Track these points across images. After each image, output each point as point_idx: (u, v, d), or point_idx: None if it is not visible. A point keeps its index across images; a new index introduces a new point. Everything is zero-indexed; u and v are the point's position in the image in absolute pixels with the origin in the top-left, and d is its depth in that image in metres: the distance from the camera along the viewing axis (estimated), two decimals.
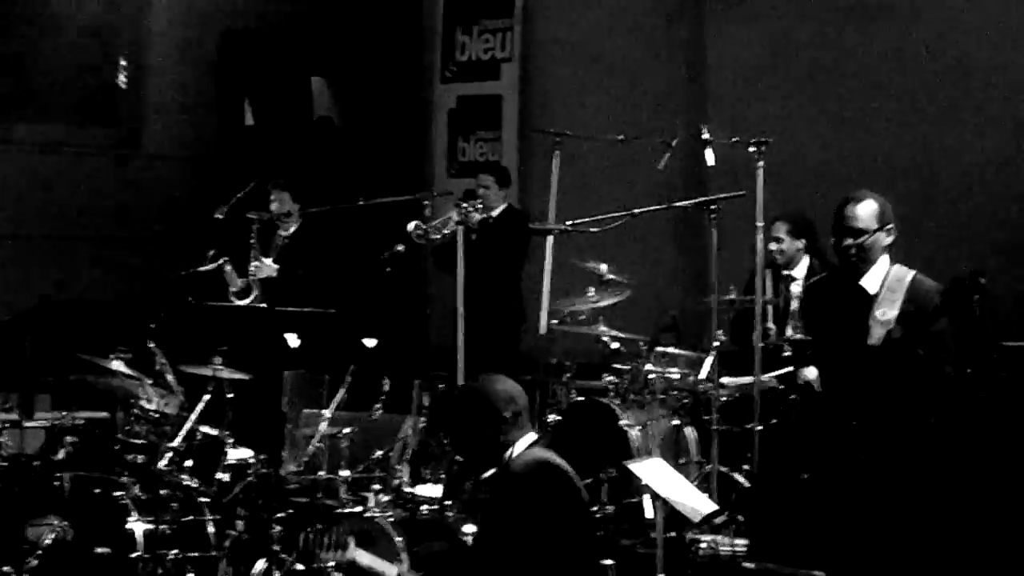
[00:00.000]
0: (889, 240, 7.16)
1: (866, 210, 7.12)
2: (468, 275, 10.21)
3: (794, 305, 9.29)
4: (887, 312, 7.03)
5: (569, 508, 6.33)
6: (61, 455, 9.46)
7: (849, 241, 7.12)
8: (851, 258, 7.14)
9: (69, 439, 9.50)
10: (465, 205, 9.89)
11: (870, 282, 7.12)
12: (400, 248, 9.98)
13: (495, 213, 10.83)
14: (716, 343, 9.08)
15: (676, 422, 9.27)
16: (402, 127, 13.70)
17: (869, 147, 10.77)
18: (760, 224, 9.07)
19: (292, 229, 11.11)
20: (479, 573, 6.40)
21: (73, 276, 12.30)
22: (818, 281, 7.95)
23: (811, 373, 8.53)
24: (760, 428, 8.82)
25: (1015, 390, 8.13)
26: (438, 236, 10.22)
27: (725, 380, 9.23)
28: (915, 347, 6.89)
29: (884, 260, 7.17)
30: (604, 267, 9.52)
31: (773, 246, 9.67)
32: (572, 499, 6.36)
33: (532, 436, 6.49)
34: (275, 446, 9.44)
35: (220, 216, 10.91)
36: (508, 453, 6.38)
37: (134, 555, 8.54)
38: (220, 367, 9.05)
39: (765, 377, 9.07)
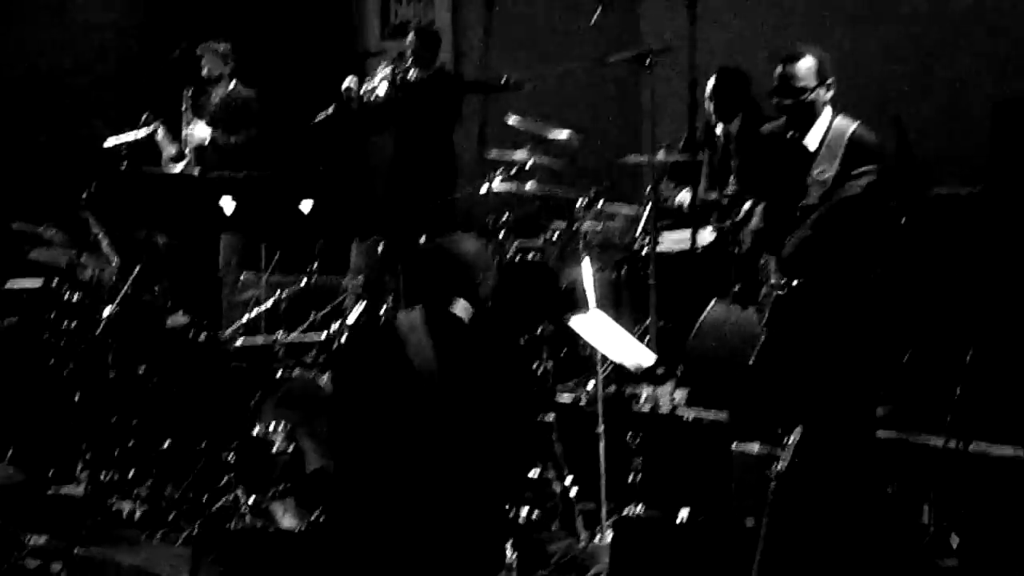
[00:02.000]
0: (829, 94, 7.15)
1: (804, 67, 7.11)
2: (401, 137, 10.18)
3: (732, 163, 9.35)
4: (826, 171, 7.04)
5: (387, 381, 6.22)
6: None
7: (789, 101, 7.11)
8: (794, 116, 7.13)
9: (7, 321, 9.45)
10: (396, 65, 9.82)
11: (812, 139, 7.12)
12: (331, 109, 9.91)
13: (425, 75, 10.73)
14: (651, 198, 9.07)
15: (614, 278, 9.27)
16: None
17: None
18: (691, 78, 9.03)
19: (224, 92, 10.98)
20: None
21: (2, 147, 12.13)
22: (760, 137, 7.91)
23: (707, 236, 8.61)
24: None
25: (947, 239, 8.18)
26: (371, 97, 10.15)
27: (663, 236, 9.24)
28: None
29: (826, 114, 7.16)
30: (540, 124, 9.46)
31: (708, 104, 9.64)
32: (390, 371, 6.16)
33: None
34: (213, 311, 9.42)
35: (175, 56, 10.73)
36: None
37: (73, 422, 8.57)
38: (155, 233, 8.99)
39: (702, 236, 9.09)
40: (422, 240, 8.74)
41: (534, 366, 8.24)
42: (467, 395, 6.03)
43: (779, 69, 7.16)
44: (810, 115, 7.13)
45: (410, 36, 10.87)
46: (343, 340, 7.94)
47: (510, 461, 6.32)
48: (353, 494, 6.13)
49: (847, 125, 7.13)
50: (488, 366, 6.19)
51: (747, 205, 8.38)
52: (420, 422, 5.99)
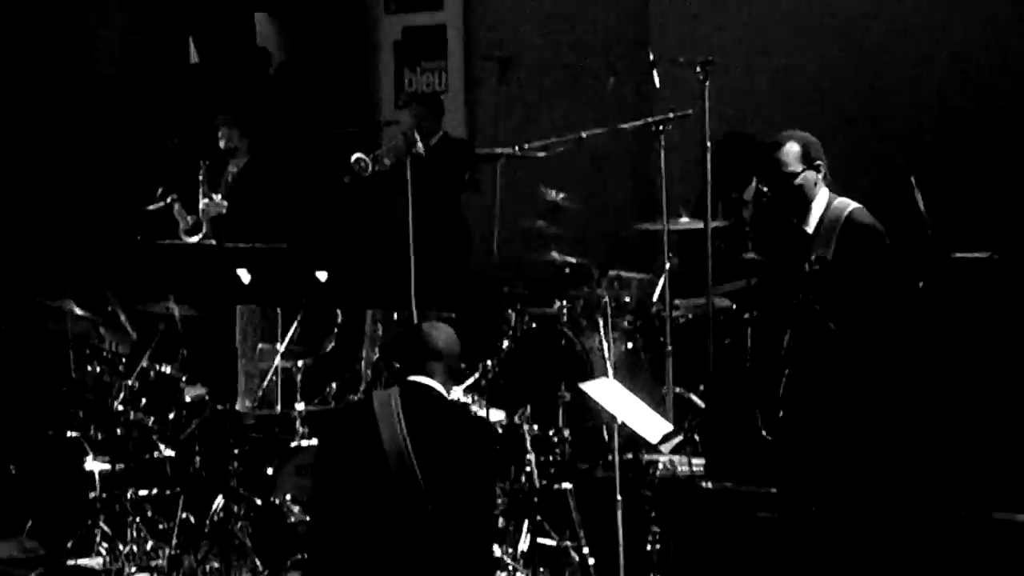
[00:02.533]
0: (819, 176, 7.17)
1: (789, 153, 7.15)
2: (414, 205, 10.20)
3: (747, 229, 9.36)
4: (823, 254, 7.06)
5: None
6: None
7: (777, 187, 7.15)
8: (783, 202, 7.16)
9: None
10: (407, 135, 9.86)
11: (810, 222, 7.14)
12: (346, 179, 9.95)
13: (432, 142, 10.77)
14: (667, 265, 9.08)
15: (630, 344, 9.27)
16: (347, 60, 13.61)
17: (814, 64, 10.74)
18: (709, 145, 9.06)
19: (241, 164, 11.03)
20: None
21: (17, 217, 12.19)
22: (764, 217, 7.95)
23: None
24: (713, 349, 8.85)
25: (967, 303, 8.17)
26: (381, 168, 10.19)
27: (678, 301, 9.24)
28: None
29: (822, 196, 7.18)
30: (554, 192, 9.48)
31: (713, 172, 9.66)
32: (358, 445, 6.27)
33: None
34: (229, 382, 9.44)
35: (171, 145, 10.81)
36: None
37: (92, 495, 8.59)
38: (172, 305, 9.02)
39: (718, 296, 9.09)
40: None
41: (550, 434, 8.24)
42: (435, 472, 6.10)
43: (765, 158, 7.20)
44: (801, 199, 7.15)
45: (415, 105, 10.94)
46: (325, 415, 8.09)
47: (476, 537, 6.33)
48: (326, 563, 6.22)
49: (844, 207, 7.15)
50: (458, 444, 6.26)
51: None
52: (387, 497, 6.08)
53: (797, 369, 7.01)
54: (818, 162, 7.15)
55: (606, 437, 7.94)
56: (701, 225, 9.06)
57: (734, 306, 9.28)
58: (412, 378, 6.44)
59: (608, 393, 7.54)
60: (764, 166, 7.16)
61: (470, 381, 8.55)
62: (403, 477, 6.08)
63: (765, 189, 7.24)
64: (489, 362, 8.60)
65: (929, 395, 7.26)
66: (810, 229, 7.12)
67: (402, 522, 6.07)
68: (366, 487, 6.14)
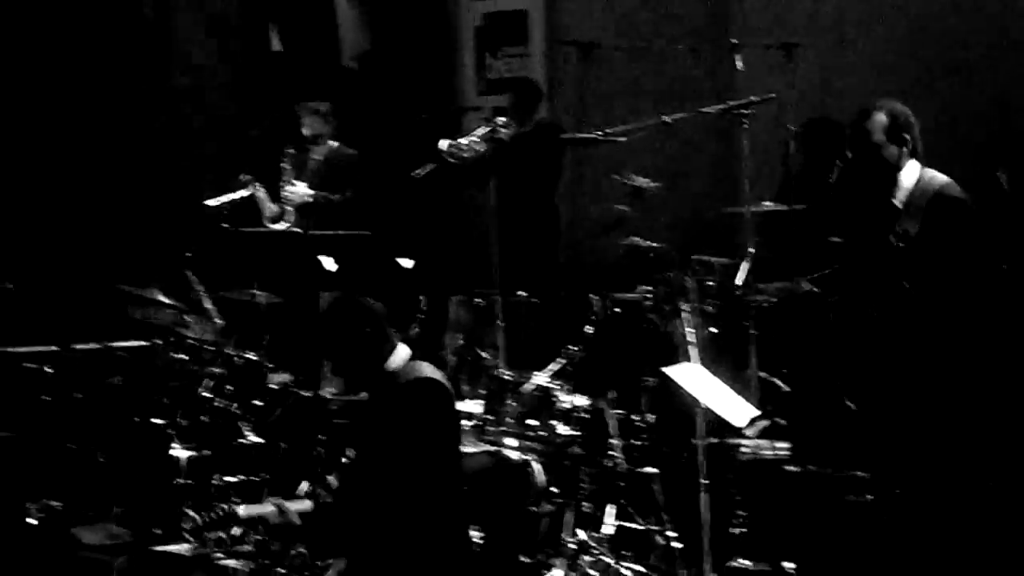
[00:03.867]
0: (906, 149, 7.09)
1: (876, 123, 7.07)
2: (503, 191, 10.20)
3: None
4: (909, 228, 6.99)
5: (452, 429, 6.36)
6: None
7: (863, 157, 7.07)
8: (867, 172, 7.09)
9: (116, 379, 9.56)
10: (493, 121, 9.85)
11: (899, 196, 7.07)
12: (429, 166, 9.96)
13: (528, 127, 10.75)
14: (751, 249, 9.03)
15: (714, 329, 9.23)
16: (429, 46, 13.63)
17: (900, 47, 10.65)
18: (792, 128, 9.02)
19: (324, 152, 11.07)
20: (369, 491, 6.47)
21: (108, 208, 12.29)
22: (848, 189, 7.88)
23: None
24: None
25: None
26: (469, 154, 10.17)
27: (762, 286, 9.19)
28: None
29: (912, 169, 7.09)
30: (637, 177, 9.45)
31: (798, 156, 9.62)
32: (454, 421, 6.40)
33: (406, 348, 6.52)
34: (314, 369, 9.47)
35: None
36: (387, 365, 6.43)
37: (178, 482, 8.66)
38: (256, 292, 9.07)
39: (802, 281, 9.04)
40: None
41: (635, 419, 8.23)
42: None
43: (852, 125, 7.12)
44: (887, 170, 7.07)
45: (510, 91, 10.91)
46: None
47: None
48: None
49: (934, 181, 7.06)
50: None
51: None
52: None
53: (884, 344, 6.94)
54: (906, 135, 7.06)
55: (691, 422, 7.94)
56: (784, 208, 9.04)
57: (816, 289, 9.25)
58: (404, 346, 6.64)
59: (693, 378, 7.54)
60: (852, 135, 7.08)
61: (555, 367, 8.55)
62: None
63: (850, 156, 7.17)
64: (573, 348, 8.59)
65: (1010, 374, 7.17)
66: (899, 202, 7.04)
67: None
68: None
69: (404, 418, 6.34)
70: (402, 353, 6.54)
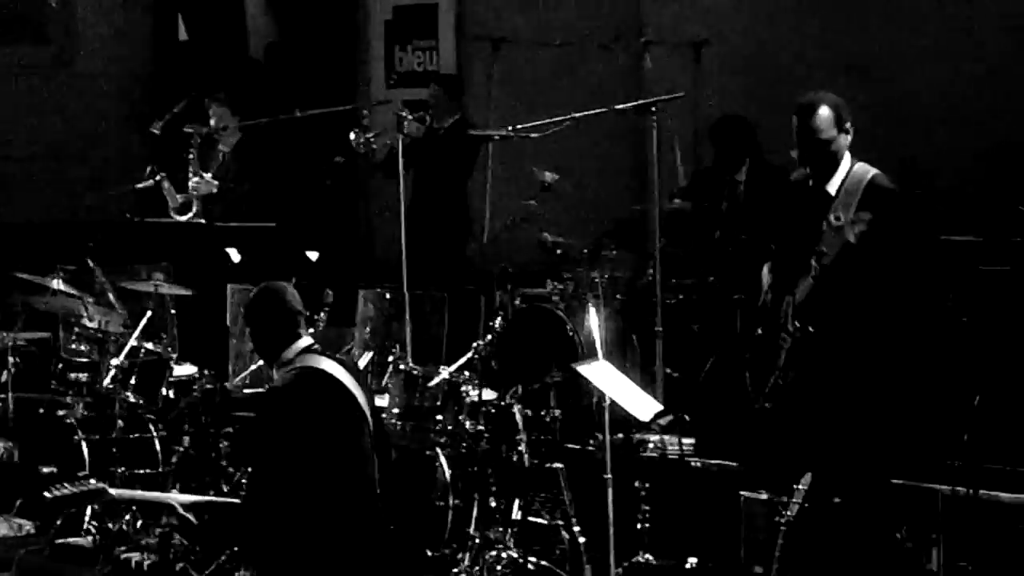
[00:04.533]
0: (849, 139, 7.14)
1: (823, 118, 7.09)
2: (417, 185, 10.19)
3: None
4: (841, 216, 7.03)
5: (336, 418, 6.33)
6: (3, 376, 9.41)
7: (816, 152, 7.08)
8: (818, 167, 7.11)
9: (12, 360, 9.44)
10: (407, 115, 9.84)
11: (832, 185, 7.11)
12: (339, 159, 9.94)
13: (446, 124, 10.73)
14: (658, 246, 9.09)
15: (620, 325, 9.28)
16: (338, 39, 13.59)
17: (806, 40, 10.73)
18: (697, 125, 9.10)
19: (231, 143, 11.01)
20: (253, 491, 6.48)
21: (8, 196, 12.17)
22: (785, 185, 7.90)
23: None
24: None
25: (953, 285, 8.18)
26: (379, 147, 10.17)
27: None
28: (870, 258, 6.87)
29: (846, 160, 7.15)
30: (547, 173, 9.48)
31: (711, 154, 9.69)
32: (339, 408, 6.36)
33: (307, 340, 6.52)
34: (220, 361, 9.43)
35: (156, 131, 10.81)
36: (283, 355, 6.44)
37: (81, 473, 8.57)
38: (162, 283, 9.00)
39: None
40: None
41: (541, 414, 8.25)
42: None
43: (796, 120, 7.12)
44: (833, 163, 7.11)
45: (433, 85, 10.89)
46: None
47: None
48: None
49: (865, 171, 7.11)
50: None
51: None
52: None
53: (800, 337, 6.98)
54: (847, 124, 7.11)
55: (596, 417, 7.96)
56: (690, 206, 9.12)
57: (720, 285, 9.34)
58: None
59: (600, 373, 7.55)
60: (800, 132, 7.08)
61: (462, 361, 8.56)
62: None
63: (794, 155, 7.19)
64: (481, 343, 8.59)
65: (923, 374, 7.25)
66: (832, 191, 7.07)
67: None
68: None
69: (279, 408, 6.33)
70: (300, 344, 6.51)
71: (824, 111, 7.06)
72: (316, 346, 6.54)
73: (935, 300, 7.55)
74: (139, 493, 7.32)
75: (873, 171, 7.10)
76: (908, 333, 6.98)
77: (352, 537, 6.25)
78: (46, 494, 6.40)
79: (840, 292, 6.88)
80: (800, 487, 6.35)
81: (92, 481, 7.04)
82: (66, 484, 6.53)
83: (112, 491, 6.58)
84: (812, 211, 7.09)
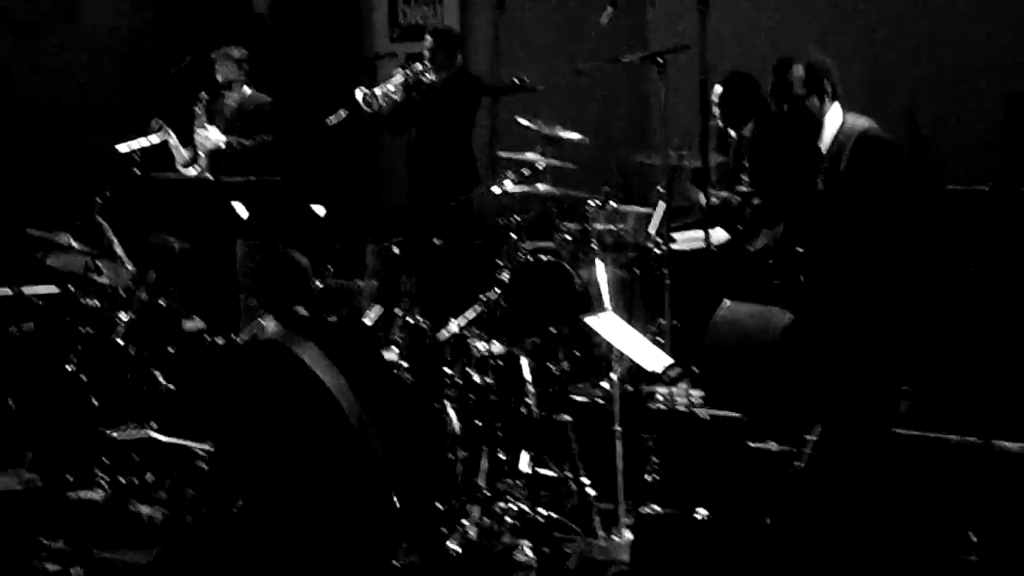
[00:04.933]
0: (826, 98, 7.16)
1: (794, 75, 7.15)
2: (420, 138, 10.19)
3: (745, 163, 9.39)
4: (835, 172, 7.06)
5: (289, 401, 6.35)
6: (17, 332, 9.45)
7: (788, 108, 7.14)
8: (792, 121, 7.16)
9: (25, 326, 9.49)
10: (415, 66, 9.83)
11: (824, 141, 7.14)
12: (343, 113, 9.94)
13: (445, 75, 10.72)
14: (664, 198, 9.11)
15: (627, 277, 9.29)
16: None
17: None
18: (702, 79, 9.07)
19: (238, 98, 11.01)
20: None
21: (11, 154, 12.15)
22: (771, 138, 7.93)
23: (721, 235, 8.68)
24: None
25: (960, 235, 8.20)
26: (386, 102, 10.17)
27: (675, 236, 9.27)
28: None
29: (835, 115, 7.17)
30: (551, 125, 9.48)
31: (717, 111, 9.69)
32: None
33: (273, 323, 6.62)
34: (229, 315, 9.46)
35: (172, 74, 10.80)
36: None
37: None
38: (170, 238, 9.02)
39: (715, 235, 9.13)
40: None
41: (549, 366, 8.28)
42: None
43: (772, 75, 7.20)
44: (810, 120, 7.15)
45: (427, 38, 10.87)
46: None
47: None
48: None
49: (857, 124, 7.15)
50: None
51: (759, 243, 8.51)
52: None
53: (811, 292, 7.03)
54: (825, 82, 7.14)
55: (605, 368, 8.00)
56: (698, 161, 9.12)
57: (732, 239, 9.36)
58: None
59: (609, 325, 7.59)
60: (773, 88, 7.16)
61: (471, 315, 8.59)
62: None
63: (773, 108, 7.25)
64: (489, 295, 8.63)
65: (927, 325, 7.27)
66: (824, 147, 7.12)
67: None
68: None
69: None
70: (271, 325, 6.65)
71: (797, 70, 7.13)
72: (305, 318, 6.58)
73: (941, 250, 7.55)
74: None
75: (866, 124, 7.14)
76: (906, 279, 7.00)
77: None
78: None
79: (835, 232, 6.94)
80: (811, 437, 6.39)
81: None
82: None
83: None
84: (806, 169, 7.14)
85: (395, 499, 6.40)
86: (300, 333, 6.46)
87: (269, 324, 6.66)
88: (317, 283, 8.50)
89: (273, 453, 6.27)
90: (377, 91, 9.99)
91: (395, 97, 10.02)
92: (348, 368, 6.46)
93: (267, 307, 6.62)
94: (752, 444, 7.47)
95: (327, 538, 6.31)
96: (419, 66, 10.01)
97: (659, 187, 9.21)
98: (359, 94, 9.95)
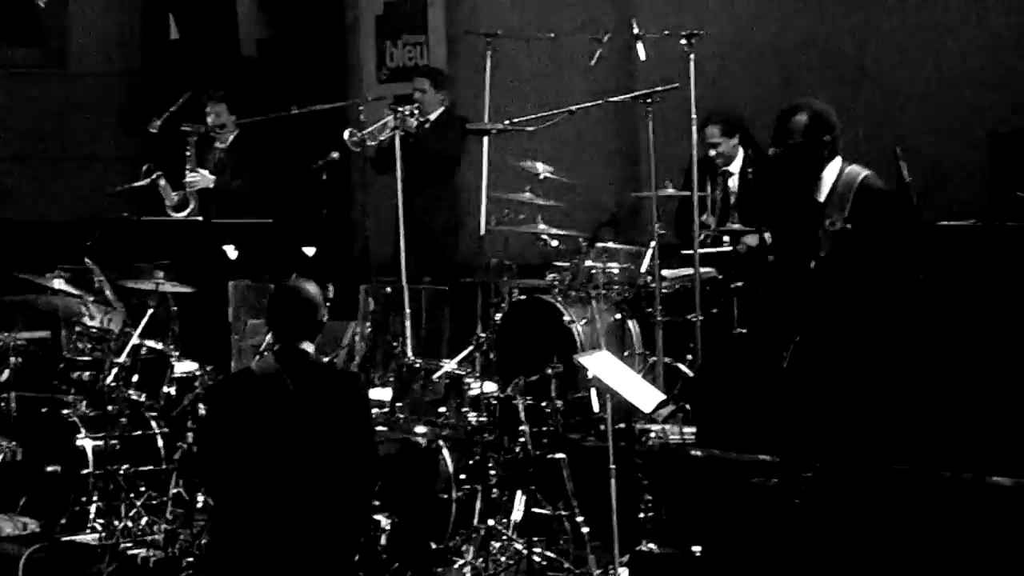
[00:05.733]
0: (825, 152, 7.18)
1: (796, 124, 7.16)
2: (406, 180, 10.22)
3: (732, 200, 9.44)
4: (836, 221, 7.08)
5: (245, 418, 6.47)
6: (5, 375, 9.45)
7: (789, 154, 7.15)
8: (789, 167, 7.18)
9: (13, 360, 9.49)
10: (400, 110, 9.88)
11: (822, 191, 7.16)
12: (334, 156, 9.98)
13: (432, 116, 10.77)
14: (656, 236, 9.15)
15: (619, 316, 9.32)
16: (328, 35, 13.62)
17: (799, 34, 10.78)
18: (694, 116, 9.14)
19: (228, 140, 11.06)
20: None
21: (5, 197, 12.18)
22: (764, 180, 7.96)
23: (752, 240, 8.75)
24: (701, 318, 8.94)
25: (950, 268, 8.23)
26: (374, 143, 10.22)
27: (665, 272, 9.31)
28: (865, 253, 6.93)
29: (834, 165, 7.19)
30: (541, 166, 9.52)
31: (711, 151, 9.75)
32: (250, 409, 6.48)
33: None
34: (223, 357, 9.46)
35: (154, 129, 10.88)
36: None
37: (85, 471, 8.62)
38: (162, 281, 9.04)
39: (704, 269, 9.17)
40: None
41: (542, 405, 8.30)
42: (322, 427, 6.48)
43: (777, 121, 7.22)
44: (808, 169, 7.17)
45: (416, 79, 10.92)
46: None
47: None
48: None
49: (856, 174, 7.16)
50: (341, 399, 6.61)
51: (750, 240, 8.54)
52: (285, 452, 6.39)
53: (808, 333, 7.03)
54: (826, 136, 7.15)
55: (597, 407, 8.01)
56: (687, 194, 9.17)
57: (720, 276, 9.40)
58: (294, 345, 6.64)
59: (602, 364, 7.60)
60: (775, 133, 7.17)
61: (464, 354, 8.61)
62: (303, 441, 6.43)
63: (771, 152, 7.27)
64: (482, 335, 8.65)
65: (925, 362, 7.27)
66: (822, 197, 7.14)
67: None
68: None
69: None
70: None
71: (800, 117, 7.14)
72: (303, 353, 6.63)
73: (932, 286, 7.58)
74: None
75: (864, 173, 7.17)
76: (902, 318, 7.03)
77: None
78: None
79: (835, 286, 6.96)
80: (808, 473, 6.42)
81: None
82: None
83: None
84: (806, 221, 7.16)
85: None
86: (298, 367, 6.53)
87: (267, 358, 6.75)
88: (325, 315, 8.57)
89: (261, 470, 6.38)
90: (365, 132, 10.04)
91: (382, 138, 10.07)
92: (335, 406, 6.55)
93: (276, 338, 6.70)
94: (747, 480, 7.49)
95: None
96: (407, 108, 10.05)
97: (650, 225, 9.25)
98: (347, 135, 10.00)
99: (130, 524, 8.45)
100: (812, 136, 7.12)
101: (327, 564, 6.46)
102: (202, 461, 6.62)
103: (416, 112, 10.30)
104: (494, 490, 7.93)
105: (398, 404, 8.29)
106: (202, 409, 8.32)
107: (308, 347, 6.65)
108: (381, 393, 8.34)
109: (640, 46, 9.33)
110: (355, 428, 6.63)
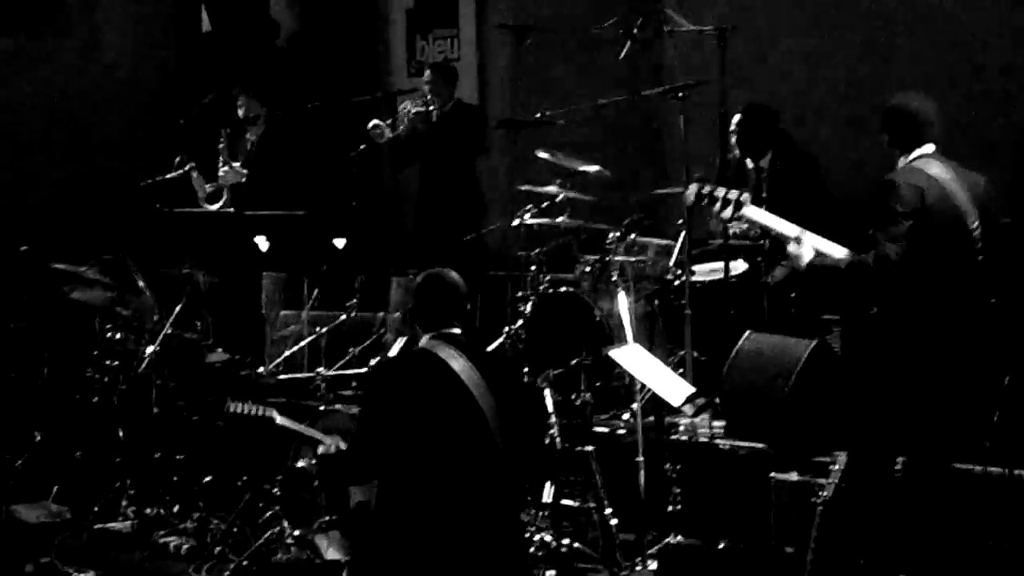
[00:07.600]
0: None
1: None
2: (423, 172, 10.30)
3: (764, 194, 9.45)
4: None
5: (435, 401, 6.29)
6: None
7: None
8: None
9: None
10: (408, 103, 9.96)
11: None
12: (362, 148, 10.05)
13: (445, 109, 10.82)
14: (684, 230, 9.17)
15: (648, 309, 9.35)
16: (359, 28, 13.66)
17: (833, 33, 10.79)
18: (722, 111, 9.15)
19: (259, 133, 11.11)
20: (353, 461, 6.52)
21: (38, 188, 12.24)
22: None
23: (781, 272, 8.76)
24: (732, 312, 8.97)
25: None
26: (392, 134, 10.33)
27: (695, 267, 9.33)
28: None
29: None
30: (571, 159, 9.55)
31: (733, 141, 9.75)
32: (440, 392, 6.28)
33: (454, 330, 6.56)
34: (256, 347, 9.52)
35: (189, 116, 10.93)
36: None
37: (117, 459, 8.71)
38: (194, 271, 9.09)
39: (735, 266, 9.19)
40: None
41: (572, 397, 8.33)
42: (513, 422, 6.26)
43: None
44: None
45: (426, 72, 10.99)
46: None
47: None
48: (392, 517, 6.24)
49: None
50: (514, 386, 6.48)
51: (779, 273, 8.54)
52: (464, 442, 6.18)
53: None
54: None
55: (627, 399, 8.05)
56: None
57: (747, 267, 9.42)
58: (448, 330, 6.44)
59: (632, 357, 7.64)
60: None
61: (494, 346, 8.65)
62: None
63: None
64: (512, 327, 8.69)
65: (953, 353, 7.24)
66: None
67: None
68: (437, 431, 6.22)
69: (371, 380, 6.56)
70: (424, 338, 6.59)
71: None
72: (458, 336, 6.53)
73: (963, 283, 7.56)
74: (299, 426, 7.47)
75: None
76: (933, 311, 7.00)
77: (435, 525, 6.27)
78: (227, 406, 6.85)
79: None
80: (835, 467, 6.44)
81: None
82: (244, 403, 6.93)
83: (278, 419, 6.96)
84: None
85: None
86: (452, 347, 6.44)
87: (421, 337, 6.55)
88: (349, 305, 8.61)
89: (414, 443, 6.24)
90: (385, 124, 10.13)
91: (401, 129, 10.16)
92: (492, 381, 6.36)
93: (424, 327, 6.53)
94: (775, 475, 7.52)
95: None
96: (417, 101, 10.15)
97: (679, 219, 9.28)
98: (371, 127, 10.09)
99: (162, 512, 8.52)
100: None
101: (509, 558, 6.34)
102: (367, 448, 6.33)
103: (425, 105, 10.39)
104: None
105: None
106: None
107: (457, 331, 6.49)
108: None
109: (672, 40, 9.35)
110: (529, 414, 6.55)
